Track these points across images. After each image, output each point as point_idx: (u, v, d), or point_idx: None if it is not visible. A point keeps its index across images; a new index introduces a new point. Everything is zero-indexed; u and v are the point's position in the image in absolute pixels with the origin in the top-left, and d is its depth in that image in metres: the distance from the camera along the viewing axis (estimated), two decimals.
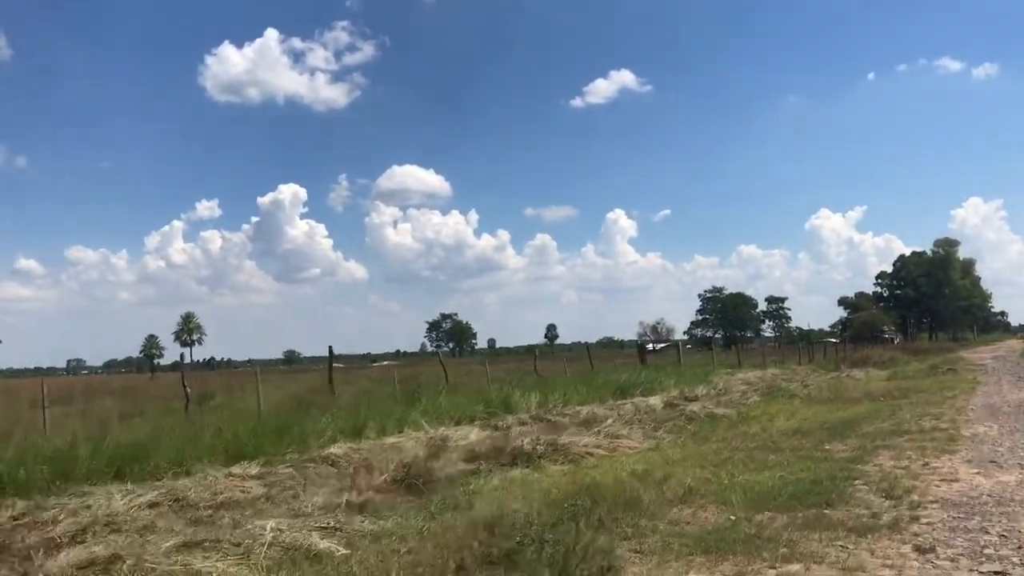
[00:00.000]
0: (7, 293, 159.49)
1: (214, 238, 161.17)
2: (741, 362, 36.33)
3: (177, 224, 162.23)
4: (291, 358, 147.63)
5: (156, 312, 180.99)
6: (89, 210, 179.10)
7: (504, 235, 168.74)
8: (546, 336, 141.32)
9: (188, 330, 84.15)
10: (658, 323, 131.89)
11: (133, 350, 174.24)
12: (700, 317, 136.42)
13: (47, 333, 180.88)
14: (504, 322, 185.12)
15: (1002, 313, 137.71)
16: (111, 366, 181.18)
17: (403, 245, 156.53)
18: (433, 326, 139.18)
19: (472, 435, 13.94)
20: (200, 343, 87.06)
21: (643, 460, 10.11)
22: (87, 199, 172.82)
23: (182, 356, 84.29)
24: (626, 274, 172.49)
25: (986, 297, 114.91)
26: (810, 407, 17.38)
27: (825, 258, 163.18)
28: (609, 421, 14.28)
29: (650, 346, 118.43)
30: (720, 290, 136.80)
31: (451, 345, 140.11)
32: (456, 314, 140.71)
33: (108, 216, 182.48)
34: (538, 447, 10.50)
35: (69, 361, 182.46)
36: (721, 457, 10.26)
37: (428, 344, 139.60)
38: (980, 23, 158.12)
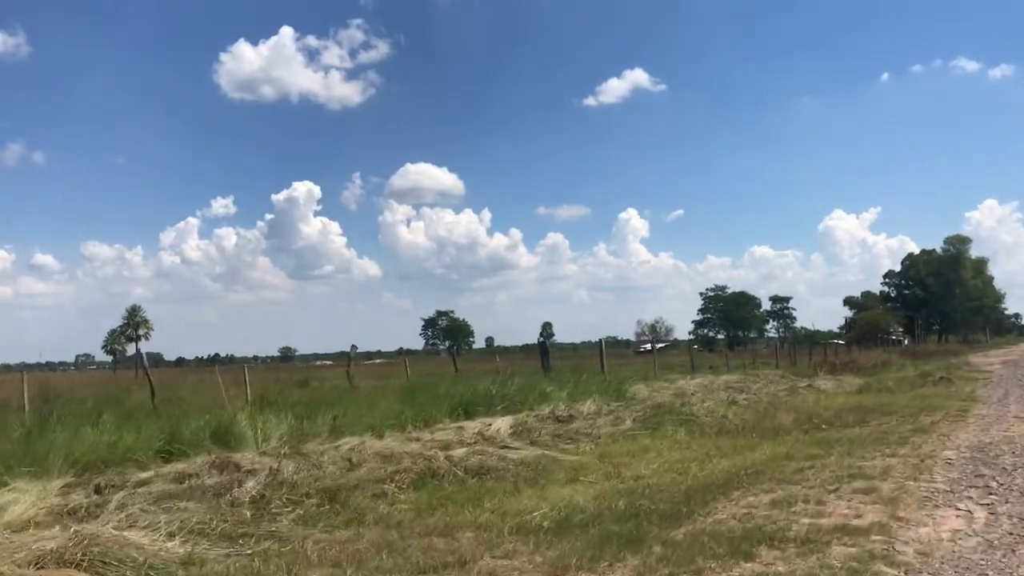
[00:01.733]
0: (24, 288, 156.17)
1: (229, 235, 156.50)
2: (696, 366, 29.31)
3: (192, 221, 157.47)
4: (286, 354, 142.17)
5: (171, 308, 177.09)
6: (105, 206, 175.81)
7: (516, 234, 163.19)
8: (541, 334, 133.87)
9: (134, 324, 77.06)
10: (656, 322, 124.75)
11: (145, 346, 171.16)
12: (702, 317, 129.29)
13: (62, 328, 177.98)
14: (514, 320, 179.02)
15: (1016, 315, 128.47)
16: (120, 361, 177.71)
17: (416, 243, 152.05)
18: (429, 323, 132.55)
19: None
20: (147, 338, 80.00)
21: None
22: (103, 195, 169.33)
23: (139, 351, 77.73)
24: (638, 274, 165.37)
25: (999, 297, 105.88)
26: (689, 446, 10.49)
27: (838, 259, 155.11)
28: (252, 477, 7.44)
29: (647, 346, 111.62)
30: (723, 289, 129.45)
31: (448, 343, 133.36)
32: (453, 311, 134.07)
33: (124, 212, 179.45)
34: None
35: (78, 356, 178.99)
36: None
37: (426, 342, 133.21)
38: (996, 23, 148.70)
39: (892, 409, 14.82)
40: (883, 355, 43.44)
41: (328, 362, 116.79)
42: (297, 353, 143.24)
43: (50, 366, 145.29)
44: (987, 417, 13.27)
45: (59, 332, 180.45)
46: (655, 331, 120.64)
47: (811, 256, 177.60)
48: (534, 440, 11.08)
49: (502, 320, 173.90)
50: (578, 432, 12.11)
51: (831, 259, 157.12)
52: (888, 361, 38.99)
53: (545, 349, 20.99)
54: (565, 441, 11.19)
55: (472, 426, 12.86)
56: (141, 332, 78.21)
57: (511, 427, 12.95)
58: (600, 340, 23.75)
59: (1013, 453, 9.08)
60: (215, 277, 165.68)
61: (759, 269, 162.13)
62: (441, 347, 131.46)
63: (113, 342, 78.78)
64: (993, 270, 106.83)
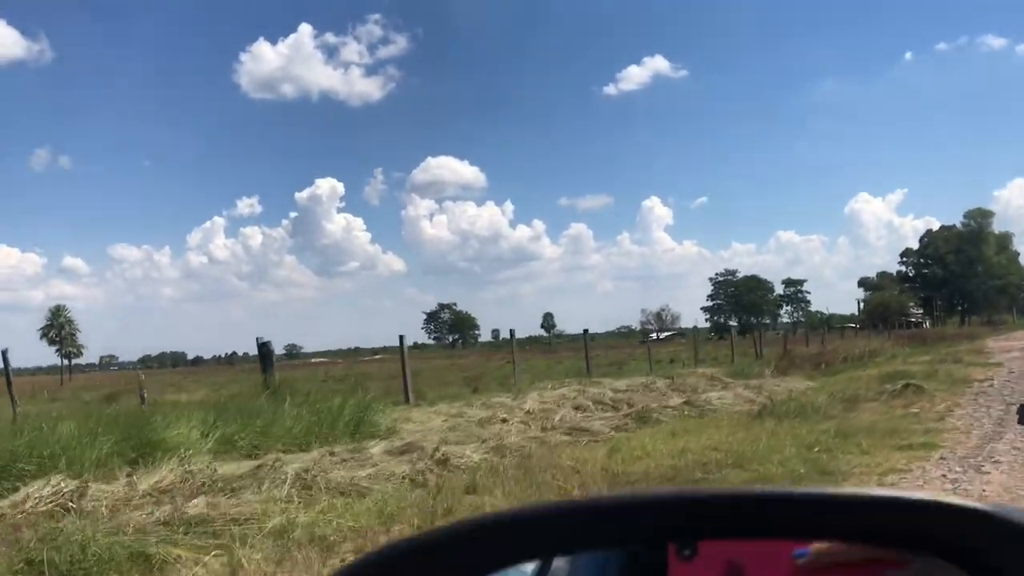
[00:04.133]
0: (55, 292, 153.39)
1: (255, 234, 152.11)
2: (592, 368, 20.86)
3: (219, 220, 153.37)
4: (291, 352, 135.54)
5: (199, 308, 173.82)
6: (132, 208, 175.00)
7: (539, 225, 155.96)
8: (543, 326, 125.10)
9: (57, 326, 69.13)
10: (663, 310, 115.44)
11: (169, 346, 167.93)
12: (712, 303, 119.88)
13: (92, 331, 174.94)
14: (531, 311, 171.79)
15: None
16: (145, 362, 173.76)
17: (439, 237, 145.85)
18: (431, 317, 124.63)
19: None
20: (72, 340, 71.27)
21: None
22: (129, 198, 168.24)
23: (68, 357, 70.62)
24: (662, 262, 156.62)
25: None
26: None
27: (864, 242, 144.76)
28: None
29: (654, 335, 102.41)
30: (733, 273, 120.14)
31: (453, 337, 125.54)
32: (455, 304, 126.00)
33: (150, 214, 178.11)
34: None
35: (102, 358, 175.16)
36: None
37: (429, 336, 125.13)
38: None
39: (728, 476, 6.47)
40: (875, 342, 34.41)
41: (324, 360, 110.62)
42: (303, 350, 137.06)
43: (78, 368, 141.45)
44: None
45: (88, 335, 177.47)
46: (660, 319, 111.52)
47: (837, 240, 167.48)
48: None
49: (516, 312, 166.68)
50: None
51: (857, 242, 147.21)
52: (877, 350, 30.11)
53: (267, 355, 12.85)
54: None
55: None
56: (65, 333, 70.69)
57: None
58: (401, 337, 15.58)
59: None
60: (242, 276, 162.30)
61: (784, 254, 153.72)
62: (445, 340, 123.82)
63: (67, 345, 71.64)
64: (1018, 244, 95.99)
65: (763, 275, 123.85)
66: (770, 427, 10.10)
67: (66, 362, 71.55)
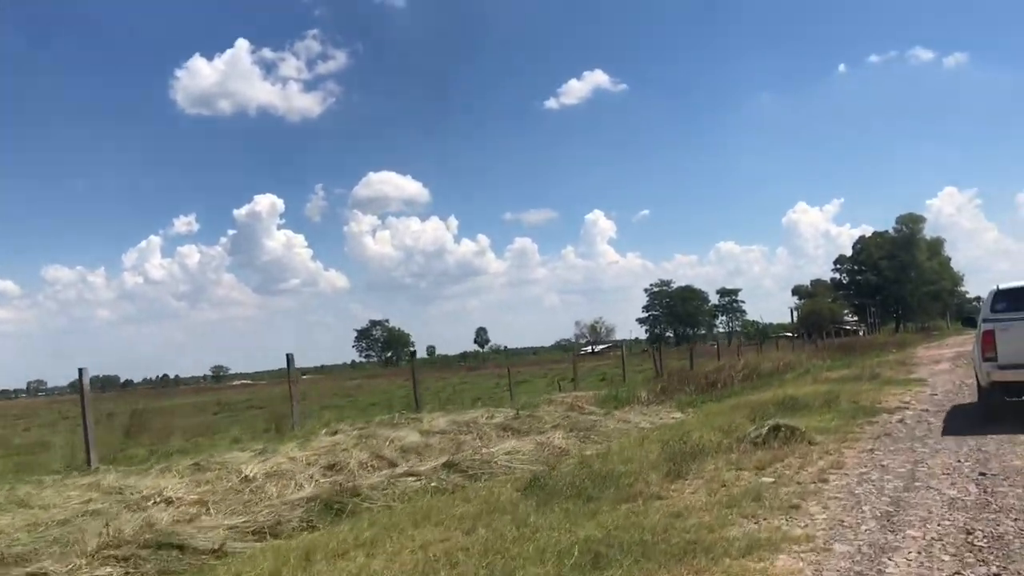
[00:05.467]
0: None
1: (192, 253, 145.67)
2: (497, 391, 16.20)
3: (154, 239, 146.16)
4: (218, 374, 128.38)
5: (135, 329, 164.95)
6: (65, 229, 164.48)
7: (484, 240, 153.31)
8: (476, 340, 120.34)
9: None
10: (596, 322, 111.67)
11: (108, 368, 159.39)
12: (647, 314, 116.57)
13: (24, 354, 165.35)
14: (466, 327, 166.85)
15: (977, 299, 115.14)
16: (75, 387, 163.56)
17: (383, 253, 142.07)
18: (362, 334, 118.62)
19: None
20: None
21: None
22: (62, 218, 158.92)
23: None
24: (607, 275, 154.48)
25: (957, 280, 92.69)
26: None
27: (803, 252, 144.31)
28: None
29: (588, 348, 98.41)
30: (668, 284, 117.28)
31: (388, 354, 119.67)
32: (387, 320, 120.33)
33: (84, 234, 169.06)
34: None
35: (29, 383, 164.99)
36: None
37: (360, 354, 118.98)
38: (950, 11, 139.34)
39: None
40: (793, 354, 30.47)
41: (248, 381, 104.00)
42: (229, 371, 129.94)
43: (5, 394, 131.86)
44: None
45: (22, 359, 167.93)
46: (595, 332, 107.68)
47: (776, 250, 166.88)
48: None
49: (462, 327, 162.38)
50: None
51: (796, 252, 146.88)
52: (792, 364, 26.17)
53: None
54: None
55: None
56: None
57: None
58: (81, 371, 10.83)
59: None
60: (179, 296, 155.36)
61: (726, 265, 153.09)
62: (375, 360, 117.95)
63: None
64: (955, 256, 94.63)
65: (705, 286, 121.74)
66: (504, 525, 5.63)
67: None
